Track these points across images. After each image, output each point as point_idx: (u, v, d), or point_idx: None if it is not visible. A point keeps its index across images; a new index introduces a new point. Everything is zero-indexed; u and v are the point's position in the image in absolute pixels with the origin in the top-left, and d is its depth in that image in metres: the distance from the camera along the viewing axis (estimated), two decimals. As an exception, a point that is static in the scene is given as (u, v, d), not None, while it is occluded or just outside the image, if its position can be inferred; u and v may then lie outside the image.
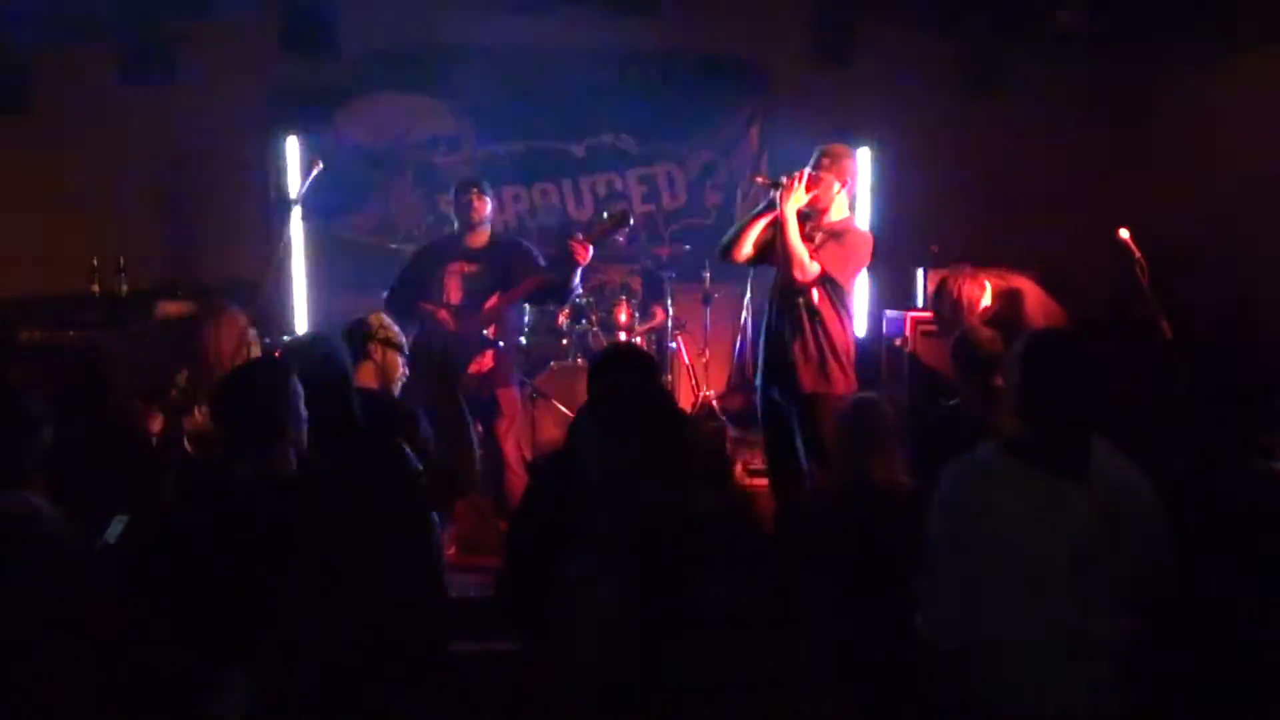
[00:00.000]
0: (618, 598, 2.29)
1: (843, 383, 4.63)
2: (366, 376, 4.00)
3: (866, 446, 3.54)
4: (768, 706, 2.30)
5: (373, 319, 4.17)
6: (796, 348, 4.65)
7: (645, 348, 6.69)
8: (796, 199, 4.64)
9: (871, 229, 6.57)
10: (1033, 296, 5.34)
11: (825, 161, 4.73)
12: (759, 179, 5.06)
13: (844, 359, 4.67)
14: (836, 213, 4.76)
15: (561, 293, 5.34)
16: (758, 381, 4.91)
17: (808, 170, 4.70)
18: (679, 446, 2.63)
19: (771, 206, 4.75)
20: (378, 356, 4.07)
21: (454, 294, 5.24)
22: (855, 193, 4.95)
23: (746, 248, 4.82)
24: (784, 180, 4.70)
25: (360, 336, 4.10)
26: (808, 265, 4.60)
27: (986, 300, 5.28)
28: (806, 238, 4.67)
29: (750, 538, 2.61)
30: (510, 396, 5.33)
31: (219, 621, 2.68)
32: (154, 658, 2.62)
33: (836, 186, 4.72)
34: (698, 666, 2.27)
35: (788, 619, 2.41)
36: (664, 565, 2.32)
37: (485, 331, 5.16)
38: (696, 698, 2.26)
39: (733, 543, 2.44)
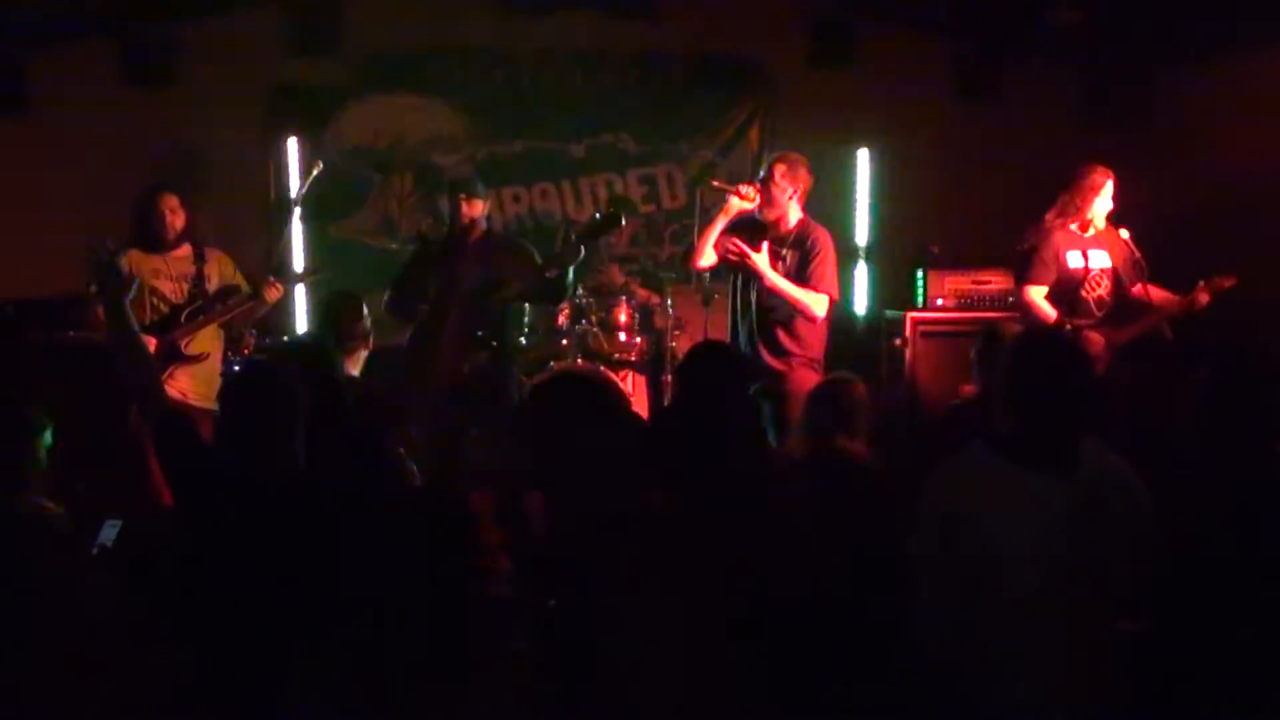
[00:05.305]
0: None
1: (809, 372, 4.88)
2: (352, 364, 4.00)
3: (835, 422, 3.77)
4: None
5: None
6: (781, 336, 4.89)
7: (645, 348, 6.68)
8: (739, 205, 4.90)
9: (871, 230, 6.60)
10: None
11: (779, 169, 4.90)
12: (715, 183, 5.25)
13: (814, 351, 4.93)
14: (791, 218, 4.93)
15: (558, 291, 5.32)
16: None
17: (760, 177, 4.93)
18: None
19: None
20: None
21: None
22: (806, 198, 5.05)
23: (706, 257, 5.00)
24: (743, 189, 4.88)
25: (347, 322, 4.07)
26: (816, 307, 4.80)
27: None
28: (775, 256, 4.80)
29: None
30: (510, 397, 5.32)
31: (231, 623, 2.68)
32: (163, 661, 2.63)
33: (789, 193, 4.87)
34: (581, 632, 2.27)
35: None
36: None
37: (479, 332, 5.15)
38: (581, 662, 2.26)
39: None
